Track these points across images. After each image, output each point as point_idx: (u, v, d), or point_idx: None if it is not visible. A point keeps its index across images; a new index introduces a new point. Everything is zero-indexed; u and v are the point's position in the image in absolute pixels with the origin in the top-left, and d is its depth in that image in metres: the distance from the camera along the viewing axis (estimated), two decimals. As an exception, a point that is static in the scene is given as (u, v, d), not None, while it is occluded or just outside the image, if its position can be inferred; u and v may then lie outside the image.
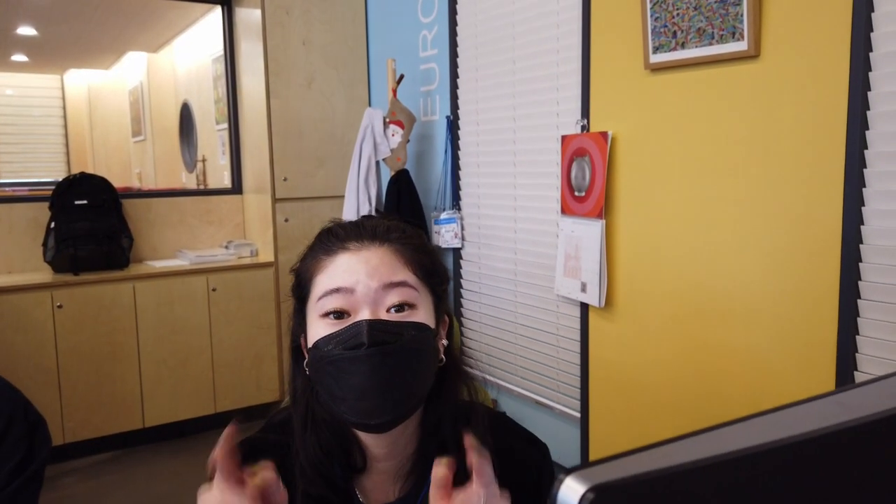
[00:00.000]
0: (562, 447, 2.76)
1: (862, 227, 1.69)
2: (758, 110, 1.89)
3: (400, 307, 0.76)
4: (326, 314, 0.77)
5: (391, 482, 0.81)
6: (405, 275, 0.77)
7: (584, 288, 2.46)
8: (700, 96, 2.04)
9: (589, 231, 2.42)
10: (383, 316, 0.75)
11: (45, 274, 3.15)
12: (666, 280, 2.20)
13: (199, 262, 3.42)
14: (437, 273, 0.82)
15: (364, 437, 0.80)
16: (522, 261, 2.86)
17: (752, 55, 1.87)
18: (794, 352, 1.86)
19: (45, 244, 3.20)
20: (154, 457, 3.18)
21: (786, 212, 1.85)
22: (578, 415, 2.57)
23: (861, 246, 1.69)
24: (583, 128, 2.45)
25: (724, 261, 2.02)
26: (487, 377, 3.05)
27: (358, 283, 0.75)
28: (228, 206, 3.87)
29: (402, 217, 0.86)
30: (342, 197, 3.48)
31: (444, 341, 0.82)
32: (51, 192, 3.31)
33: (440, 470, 0.66)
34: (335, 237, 0.81)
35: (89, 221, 3.22)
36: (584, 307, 2.52)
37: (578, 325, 2.55)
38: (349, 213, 3.26)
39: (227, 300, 3.40)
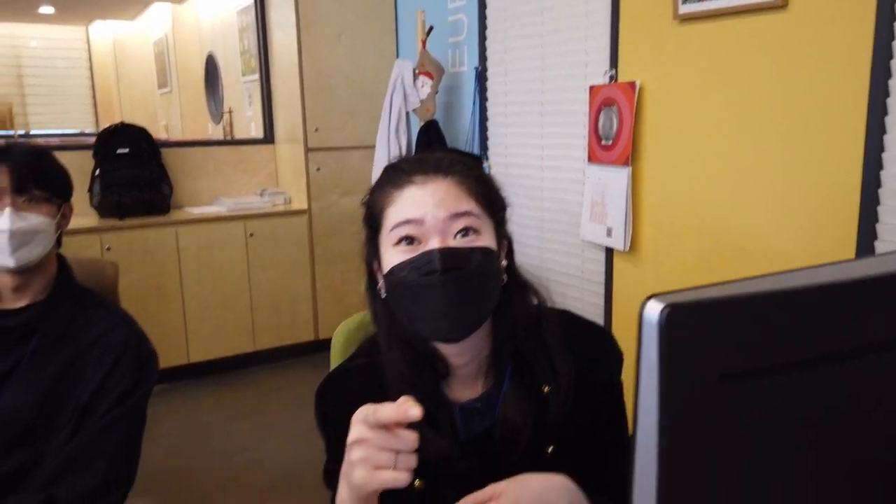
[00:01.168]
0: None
1: (881, 172, 1.77)
2: (784, 60, 1.96)
3: (465, 233, 0.83)
4: (399, 242, 0.84)
5: (472, 382, 0.91)
6: (469, 205, 0.84)
7: (609, 233, 2.57)
8: (728, 46, 2.10)
9: (615, 178, 2.52)
10: (451, 243, 0.82)
11: (92, 219, 3.32)
12: (689, 225, 2.30)
13: (236, 208, 3.56)
14: (497, 201, 0.90)
15: (443, 346, 0.89)
16: (548, 208, 2.96)
17: (780, 5, 1.92)
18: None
19: (90, 190, 3.35)
20: (198, 390, 3.39)
21: (808, 160, 1.93)
22: (601, 353, 2.71)
23: (879, 190, 1.78)
24: (611, 78, 2.52)
25: (746, 206, 2.11)
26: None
27: (426, 213, 0.82)
28: (261, 156, 3.99)
29: (461, 151, 0.94)
30: (372, 147, 3.58)
31: (504, 262, 0.90)
32: (93, 142, 3.45)
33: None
34: (402, 172, 0.87)
35: (131, 169, 3.37)
36: (609, 252, 2.63)
37: (603, 268, 2.67)
38: (380, 163, 3.37)
39: (264, 245, 3.56)
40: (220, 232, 3.44)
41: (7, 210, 1.23)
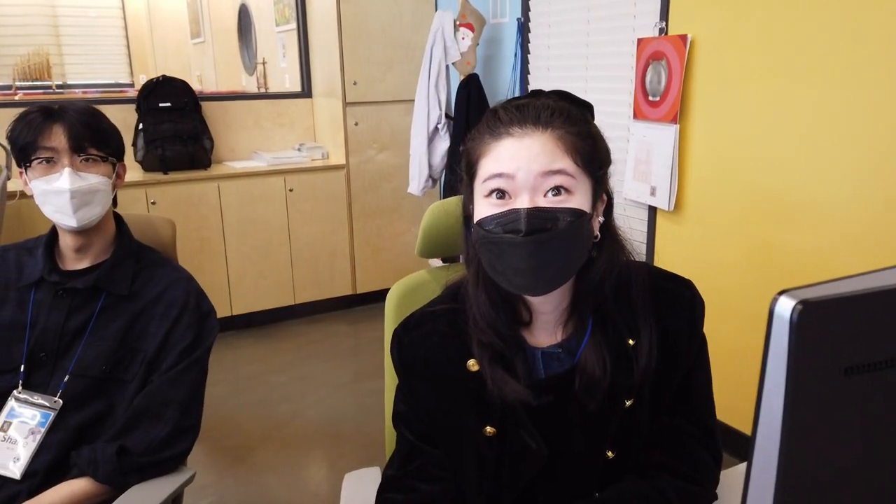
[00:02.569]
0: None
1: (946, 134, 1.71)
2: (844, 13, 1.87)
3: (557, 191, 0.82)
4: (490, 194, 0.84)
5: (552, 329, 0.93)
6: (564, 162, 0.82)
7: (653, 192, 2.54)
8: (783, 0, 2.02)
9: (662, 136, 2.47)
10: (541, 201, 0.81)
11: (136, 173, 3.37)
12: (736, 184, 2.26)
13: (275, 163, 3.59)
14: (597, 158, 0.86)
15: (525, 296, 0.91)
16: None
17: (848, -44, 1.83)
18: (861, 255, 1.93)
19: (134, 144, 3.40)
20: (241, 341, 3.48)
21: (871, 118, 1.87)
22: (642, 312, 2.71)
23: (943, 153, 1.72)
24: (661, 31, 2.44)
25: (799, 168, 2.06)
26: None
27: (519, 169, 0.81)
28: (299, 110, 3.98)
29: (570, 96, 0.91)
30: (411, 101, 3.55)
31: (601, 218, 0.89)
32: (135, 94, 3.48)
33: None
34: (500, 121, 0.85)
35: (174, 123, 3.39)
36: (653, 211, 2.60)
37: (646, 227, 2.64)
38: (419, 118, 3.34)
39: (303, 200, 3.59)
40: (260, 186, 3.47)
41: (66, 170, 1.25)
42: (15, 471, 1.23)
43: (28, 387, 1.29)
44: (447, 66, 3.31)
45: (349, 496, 1.20)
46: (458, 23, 3.22)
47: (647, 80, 2.51)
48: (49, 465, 1.24)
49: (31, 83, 6.97)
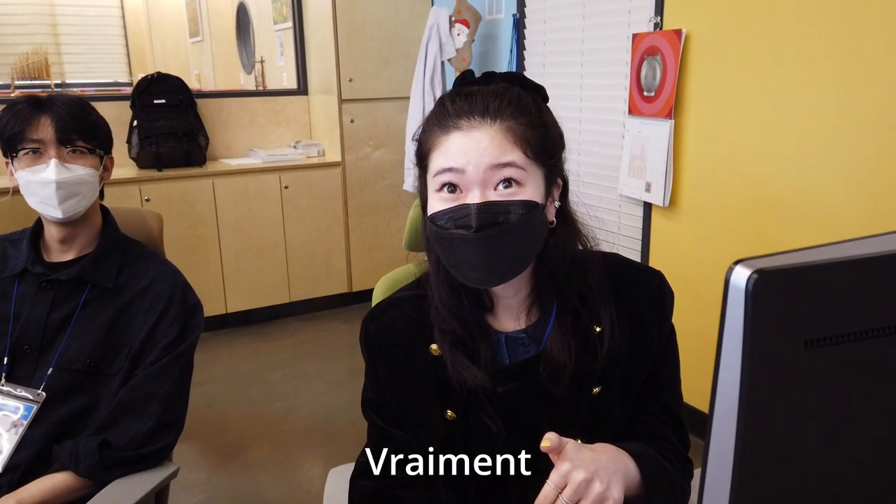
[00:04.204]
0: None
1: (940, 126, 1.69)
2: (840, 8, 1.86)
3: (508, 184, 0.81)
4: (441, 188, 0.83)
5: (516, 314, 0.92)
6: (513, 155, 0.80)
7: (648, 188, 2.52)
8: (782, -8, 2.00)
9: (657, 131, 2.45)
10: (492, 194, 0.80)
11: (131, 170, 3.36)
12: (731, 180, 2.24)
13: (270, 160, 3.57)
14: (549, 147, 0.85)
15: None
16: (586, 161, 2.91)
17: (842, -52, 1.82)
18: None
19: (128, 141, 3.38)
20: (236, 339, 3.47)
21: (866, 115, 1.85)
22: (637, 309, 2.70)
23: (937, 146, 1.71)
24: (656, 25, 2.43)
25: (794, 164, 2.05)
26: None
27: (468, 163, 0.80)
28: (295, 107, 3.97)
29: (522, 79, 0.89)
30: (406, 98, 3.53)
31: (557, 203, 0.89)
32: (130, 92, 3.47)
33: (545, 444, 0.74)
34: (448, 114, 0.84)
35: (168, 120, 3.38)
36: (647, 207, 2.59)
37: (640, 224, 2.63)
38: (415, 116, 3.33)
39: (299, 197, 3.57)
40: (255, 184, 3.46)
41: (52, 161, 1.24)
42: None
43: (11, 379, 1.28)
44: (443, 63, 3.30)
45: (332, 491, 1.19)
46: (453, 19, 3.21)
47: (642, 75, 2.50)
48: (31, 459, 1.23)
49: (29, 82, 6.97)
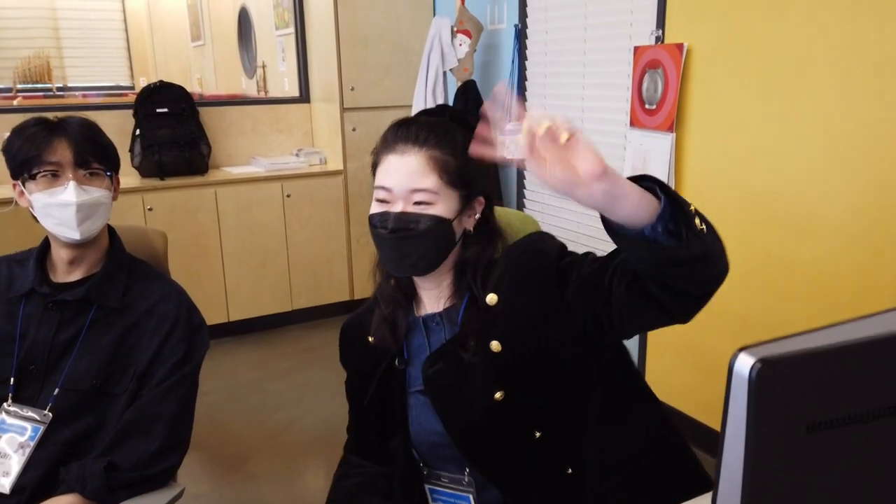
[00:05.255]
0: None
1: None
2: (840, 25, 1.87)
3: (420, 202, 1.04)
4: (378, 200, 1.07)
5: (436, 302, 1.15)
6: (430, 181, 1.03)
7: (650, 200, 2.53)
8: (782, 7, 2.01)
9: (658, 144, 2.46)
10: (409, 208, 1.04)
11: (133, 179, 3.37)
12: (733, 194, 2.25)
13: (273, 168, 3.59)
14: (466, 174, 1.06)
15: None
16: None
17: (843, -34, 1.83)
18: (858, 265, 1.92)
19: (131, 150, 3.40)
20: (238, 347, 3.48)
21: (860, 128, 1.86)
22: (638, 321, 2.71)
23: (938, 165, 1.72)
24: (657, 39, 2.44)
25: (797, 180, 2.06)
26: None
27: (396, 184, 1.04)
28: (297, 115, 3.98)
29: (457, 115, 1.12)
30: (408, 107, 3.54)
31: (477, 215, 1.11)
32: (133, 100, 3.48)
33: (520, 138, 0.79)
34: (390, 138, 1.07)
35: (171, 129, 3.39)
36: (649, 219, 2.59)
37: (642, 236, 2.64)
38: (416, 123, 3.34)
39: (301, 206, 3.59)
40: (258, 192, 3.47)
41: (71, 184, 1.26)
42: (5, 485, 1.23)
43: (18, 400, 1.29)
44: (444, 73, 3.31)
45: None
46: (455, 29, 3.22)
47: (643, 88, 2.51)
48: (38, 480, 1.24)
49: (31, 85, 6.98)
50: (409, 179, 1.03)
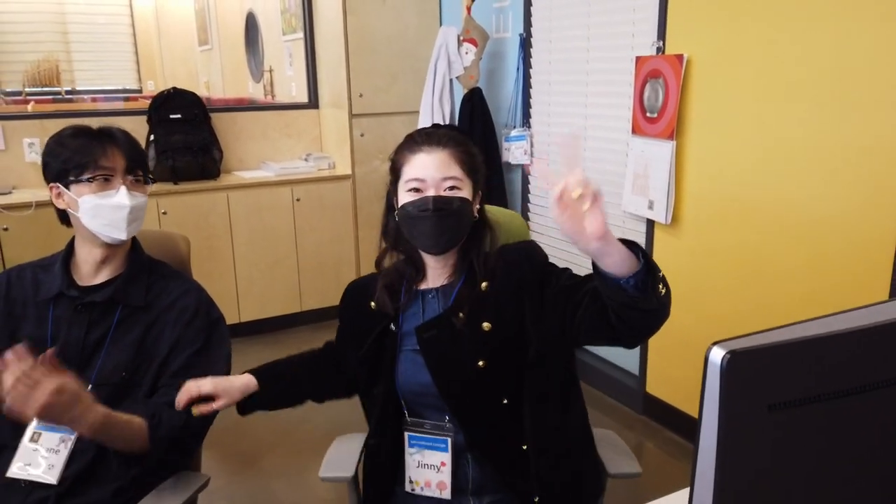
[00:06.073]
0: (621, 349, 3.00)
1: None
2: (837, 36, 1.95)
3: (451, 188, 1.27)
4: (410, 190, 1.28)
5: (438, 277, 1.36)
6: (455, 171, 1.28)
7: (651, 205, 2.61)
8: (781, 20, 2.09)
9: (659, 151, 2.54)
10: (442, 193, 1.26)
11: (147, 183, 3.45)
12: (733, 199, 2.33)
13: (283, 173, 3.67)
14: (476, 168, 1.32)
15: (426, 255, 1.35)
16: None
17: (836, -17, 1.90)
18: (856, 269, 2.00)
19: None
20: (249, 348, 3.56)
21: (856, 137, 1.94)
22: (639, 322, 2.79)
23: (925, 173, 1.79)
24: (658, 49, 2.52)
25: (793, 187, 2.13)
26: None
27: (428, 175, 1.27)
28: (306, 121, 4.07)
29: (458, 129, 1.40)
30: (415, 113, 3.63)
31: (478, 206, 1.33)
32: (146, 106, 3.57)
33: (554, 189, 0.96)
34: (415, 142, 1.31)
35: (184, 134, 3.48)
36: (650, 223, 2.68)
37: (643, 240, 2.72)
38: (423, 129, 3.42)
39: (310, 210, 3.68)
40: (268, 196, 3.56)
41: (123, 188, 1.36)
42: (50, 478, 1.30)
43: None
44: (451, 80, 3.39)
45: (333, 453, 1.50)
46: (461, 38, 3.30)
47: (644, 96, 2.59)
48: (77, 473, 1.32)
49: (40, 89, 7.08)
50: (439, 170, 1.27)
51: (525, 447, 1.27)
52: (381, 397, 1.35)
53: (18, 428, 1.34)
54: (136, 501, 1.28)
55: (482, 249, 1.34)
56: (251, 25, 5.57)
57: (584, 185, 0.94)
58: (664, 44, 2.50)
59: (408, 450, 1.34)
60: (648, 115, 2.58)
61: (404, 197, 1.29)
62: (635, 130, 2.65)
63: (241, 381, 1.36)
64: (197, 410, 1.27)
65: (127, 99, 6.70)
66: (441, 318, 1.30)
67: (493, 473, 1.30)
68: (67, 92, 7.33)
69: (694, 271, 2.51)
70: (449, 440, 1.30)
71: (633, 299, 1.00)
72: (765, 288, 2.26)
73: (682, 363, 2.62)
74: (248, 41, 5.73)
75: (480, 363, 1.26)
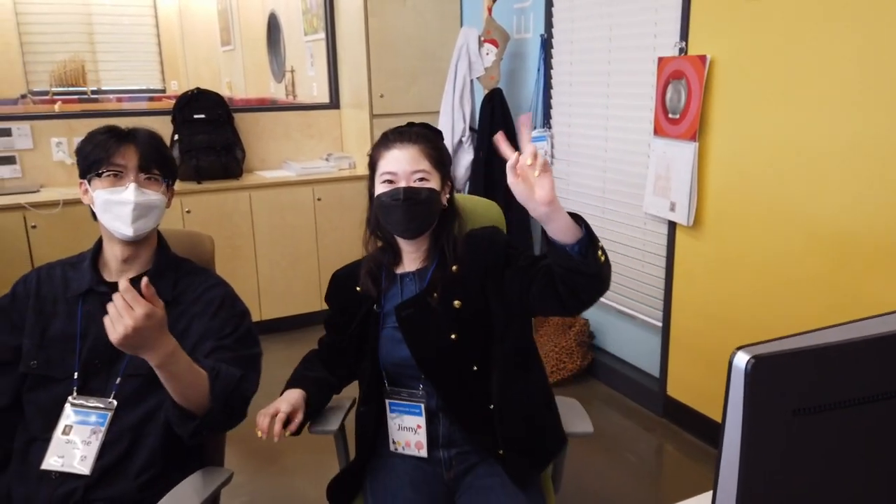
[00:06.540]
0: (642, 351, 2.99)
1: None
2: (866, 36, 1.92)
3: (420, 180, 1.40)
4: (384, 181, 1.42)
5: (413, 261, 1.50)
6: (424, 164, 1.41)
7: (672, 207, 2.60)
8: (805, 18, 2.07)
9: (681, 152, 2.53)
10: (412, 184, 1.40)
11: (172, 182, 3.50)
12: (756, 202, 2.31)
13: (304, 173, 3.71)
14: (443, 162, 1.46)
15: (400, 240, 1.49)
16: (611, 179, 2.99)
17: (863, -17, 1.88)
18: (877, 277, 1.97)
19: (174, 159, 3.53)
20: (270, 346, 3.57)
21: (884, 139, 1.91)
22: (660, 324, 2.78)
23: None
24: (681, 50, 2.50)
25: (814, 186, 2.11)
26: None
27: (400, 168, 1.41)
28: (327, 121, 4.10)
29: (430, 126, 1.49)
30: (435, 113, 3.64)
31: (447, 196, 1.47)
32: (170, 106, 3.63)
33: (511, 158, 1.14)
34: (389, 140, 1.44)
35: (208, 134, 3.53)
36: (672, 225, 2.66)
37: (665, 241, 2.70)
38: (444, 131, 3.44)
39: (331, 209, 3.70)
40: (290, 196, 3.60)
41: (132, 185, 1.39)
42: (84, 468, 1.33)
43: (84, 392, 1.40)
44: (472, 81, 3.40)
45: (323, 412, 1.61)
46: (482, 38, 3.31)
47: (667, 97, 2.57)
48: (107, 466, 1.34)
49: (66, 89, 7.20)
50: (409, 164, 1.40)
51: (492, 407, 1.42)
52: (368, 371, 1.49)
53: (48, 421, 1.37)
54: (161, 495, 1.31)
55: (452, 235, 1.47)
56: (273, 26, 5.62)
57: (535, 156, 1.12)
58: (687, 44, 2.48)
59: (389, 415, 1.50)
60: (670, 115, 2.57)
61: (379, 188, 1.43)
62: (657, 131, 2.63)
63: (299, 393, 1.49)
64: (288, 431, 1.43)
65: (151, 99, 6.80)
66: (417, 298, 1.44)
67: (463, 431, 1.46)
68: (93, 92, 7.45)
69: (716, 274, 2.50)
70: (422, 405, 1.46)
71: (577, 264, 1.20)
72: (788, 293, 2.24)
73: (703, 366, 2.60)
74: (270, 41, 5.78)
75: (452, 336, 1.41)
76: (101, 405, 1.38)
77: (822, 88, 2.05)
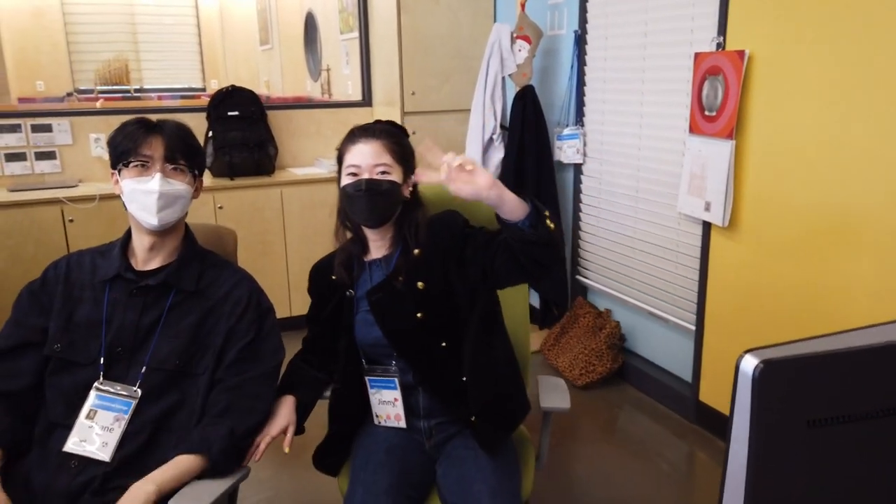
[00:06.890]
0: (674, 355, 2.91)
1: None
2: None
3: (382, 173, 1.49)
4: (349, 174, 1.51)
5: (379, 249, 1.59)
6: (386, 158, 1.50)
7: (707, 207, 2.52)
8: (846, 14, 1.98)
9: (717, 151, 2.45)
10: (374, 176, 1.48)
11: (205, 178, 3.52)
12: (795, 203, 2.22)
13: (335, 170, 3.70)
14: (406, 156, 1.54)
15: (366, 230, 1.57)
16: (645, 178, 2.92)
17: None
18: (922, 279, 1.88)
19: (204, 151, 3.58)
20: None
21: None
22: (693, 327, 2.70)
23: None
24: (718, 46, 2.43)
25: (857, 187, 2.02)
26: (601, 287, 3.20)
27: (363, 162, 1.49)
28: (359, 118, 4.06)
29: (395, 124, 1.57)
30: (466, 111, 3.61)
31: (410, 188, 1.55)
32: (206, 103, 3.67)
33: (441, 171, 1.25)
34: (355, 135, 1.53)
35: (241, 131, 3.56)
36: (706, 226, 2.58)
37: (699, 242, 2.63)
38: (475, 129, 3.40)
39: (361, 206, 3.70)
40: (321, 193, 3.61)
41: (157, 175, 1.41)
42: (104, 455, 1.35)
43: (109, 378, 1.41)
44: (503, 78, 3.35)
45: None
46: (514, 35, 3.27)
47: (703, 94, 2.50)
48: (128, 455, 1.36)
49: (110, 87, 7.38)
50: (373, 158, 1.49)
51: (464, 379, 1.51)
52: (344, 351, 1.60)
53: (69, 406, 1.39)
54: (179, 489, 1.31)
55: (414, 223, 1.55)
56: (310, 25, 5.66)
57: (460, 157, 1.25)
58: (724, 39, 2.41)
59: (370, 391, 1.61)
60: (707, 113, 2.49)
61: (345, 180, 1.53)
62: (692, 129, 2.56)
63: (289, 406, 1.55)
64: (287, 448, 1.51)
65: (191, 97, 6.92)
66: (385, 283, 1.54)
67: (439, 402, 1.57)
68: (136, 90, 7.63)
69: (751, 276, 2.41)
70: (396, 380, 1.57)
71: (530, 236, 1.29)
72: (827, 297, 2.15)
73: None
74: (307, 40, 5.82)
75: (419, 315, 1.51)
76: (126, 393, 1.39)
77: (864, 85, 1.96)
